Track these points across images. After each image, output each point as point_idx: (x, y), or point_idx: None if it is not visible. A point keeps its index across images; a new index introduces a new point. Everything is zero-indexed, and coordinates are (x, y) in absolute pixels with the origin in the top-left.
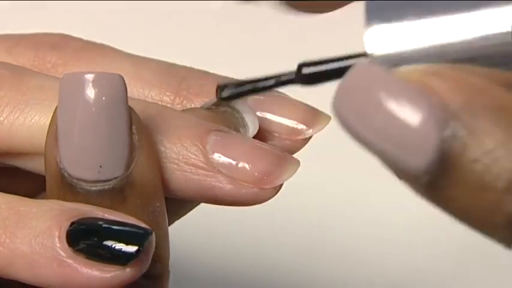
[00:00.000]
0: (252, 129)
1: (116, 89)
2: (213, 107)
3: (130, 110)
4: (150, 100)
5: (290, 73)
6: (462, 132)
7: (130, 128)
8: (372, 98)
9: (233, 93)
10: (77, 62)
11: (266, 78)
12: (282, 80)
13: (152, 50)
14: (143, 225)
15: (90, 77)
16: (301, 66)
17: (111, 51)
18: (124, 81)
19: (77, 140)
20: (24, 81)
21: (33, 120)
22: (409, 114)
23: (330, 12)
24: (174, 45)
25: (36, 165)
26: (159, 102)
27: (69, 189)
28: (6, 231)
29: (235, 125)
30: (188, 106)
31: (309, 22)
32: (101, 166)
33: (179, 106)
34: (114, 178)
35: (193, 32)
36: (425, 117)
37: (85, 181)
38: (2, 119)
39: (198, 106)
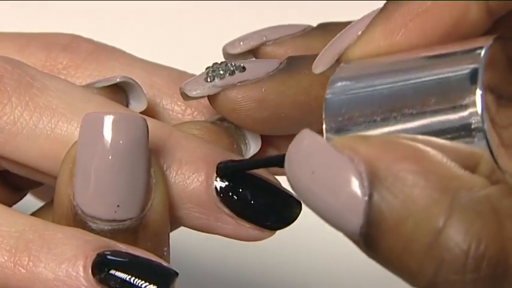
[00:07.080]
0: (254, 148)
1: (136, 132)
2: (218, 121)
3: (149, 153)
4: (161, 109)
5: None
6: (387, 196)
7: (149, 171)
8: (310, 166)
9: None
10: (88, 66)
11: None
12: (269, 162)
13: (155, 50)
14: (168, 265)
15: (110, 118)
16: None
17: (123, 55)
18: (146, 123)
19: (94, 181)
20: (32, 96)
21: (42, 146)
22: (339, 181)
23: None
24: (180, 45)
25: (44, 178)
26: (170, 112)
27: (82, 226)
28: (30, 255)
29: (238, 141)
30: (198, 118)
31: None
32: (118, 206)
33: (190, 117)
34: (130, 219)
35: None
36: (353, 183)
37: (100, 220)
38: (10, 137)
39: (208, 117)
